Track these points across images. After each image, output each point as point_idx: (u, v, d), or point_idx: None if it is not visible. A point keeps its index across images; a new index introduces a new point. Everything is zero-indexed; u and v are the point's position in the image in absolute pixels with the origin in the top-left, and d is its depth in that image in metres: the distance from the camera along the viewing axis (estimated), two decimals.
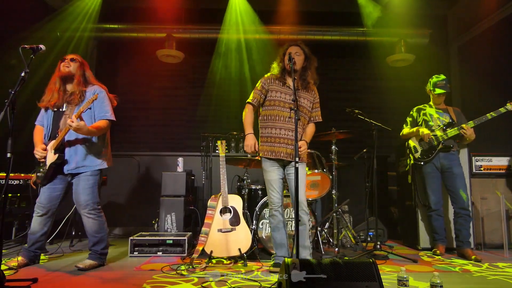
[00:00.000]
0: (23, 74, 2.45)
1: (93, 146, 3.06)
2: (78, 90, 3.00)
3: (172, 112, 5.88)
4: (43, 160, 2.99)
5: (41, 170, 3.00)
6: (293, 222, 3.52)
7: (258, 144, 3.05)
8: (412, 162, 3.96)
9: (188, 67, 5.95)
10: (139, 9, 5.68)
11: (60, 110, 3.05)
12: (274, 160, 3.00)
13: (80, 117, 2.82)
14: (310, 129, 3.13)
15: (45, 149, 2.99)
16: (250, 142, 3.00)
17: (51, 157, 2.95)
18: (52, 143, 2.96)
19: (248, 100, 3.11)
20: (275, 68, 3.09)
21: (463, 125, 3.62)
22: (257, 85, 3.12)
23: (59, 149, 2.96)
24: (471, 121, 3.62)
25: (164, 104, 5.88)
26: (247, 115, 3.09)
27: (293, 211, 2.64)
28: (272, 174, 3.01)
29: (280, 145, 2.96)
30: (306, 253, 2.91)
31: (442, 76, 3.82)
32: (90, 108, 2.99)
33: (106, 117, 3.05)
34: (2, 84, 3.10)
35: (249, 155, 3.83)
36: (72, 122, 2.72)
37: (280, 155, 2.96)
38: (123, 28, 5.55)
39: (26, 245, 3.08)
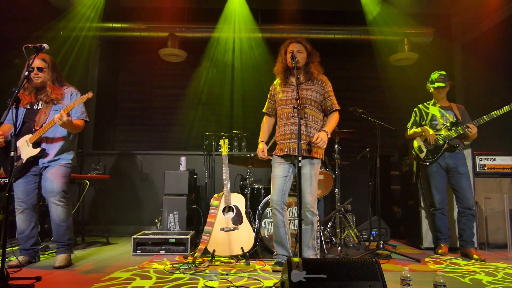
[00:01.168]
0: (26, 73, 2.46)
1: (67, 143, 3.15)
2: (54, 95, 3.07)
3: (175, 111, 5.89)
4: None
5: (15, 164, 2.96)
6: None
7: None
8: (416, 161, 3.94)
9: (191, 66, 5.95)
10: (142, 9, 5.69)
11: (35, 107, 3.08)
12: (282, 157, 2.99)
13: (68, 114, 2.89)
14: (332, 118, 2.98)
15: (4, 136, 2.97)
16: (258, 148, 3.14)
17: (28, 151, 2.98)
18: (30, 137, 2.98)
19: (263, 110, 3.27)
20: (277, 67, 3.09)
21: (469, 124, 3.60)
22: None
23: (36, 143, 3.00)
24: (485, 116, 3.58)
25: (167, 103, 5.89)
26: (262, 124, 3.27)
27: (300, 211, 2.60)
28: (276, 170, 3.01)
29: (284, 141, 2.97)
30: (309, 253, 2.89)
31: (441, 72, 3.79)
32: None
33: (82, 117, 3.17)
34: (5, 83, 3.10)
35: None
36: (62, 116, 2.81)
37: (285, 151, 2.94)
38: (126, 27, 5.57)
39: (21, 246, 3.10)
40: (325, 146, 2.83)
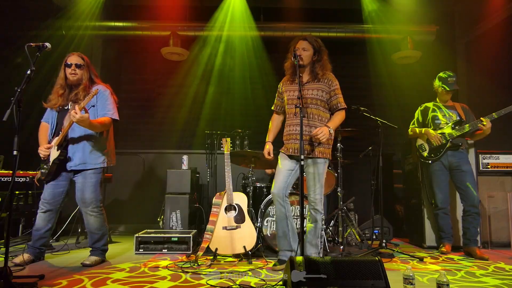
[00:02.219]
0: (28, 72, 2.46)
1: (96, 144, 3.08)
2: (85, 91, 3.04)
3: (177, 110, 5.88)
4: (46, 157, 3.01)
5: (44, 167, 3.02)
6: (306, 218, 3.51)
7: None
8: (419, 160, 3.93)
9: (193, 65, 5.94)
10: (143, 7, 5.68)
11: (65, 108, 3.07)
12: (288, 156, 2.98)
13: (85, 110, 2.81)
14: (336, 115, 2.94)
15: (49, 147, 3.00)
16: (265, 149, 3.13)
17: (54, 154, 2.97)
18: (56, 140, 2.99)
19: (272, 108, 3.25)
20: (287, 64, 3.07)
21: (483, 118, 3.57)
22: None
23: (62, 146, 2.98)
24: (494, 113, 3.56)
25: (169, 101, 5.88)
26: (271, 122, 3.25)
27: (302, 209, 2.59)
28: (282, 163, 2.99)
29: (289, 142, 2.96)
30: (312, 251, 2.89)
31: (451, 73, 3.77)
32: (94, 106, 3.06)
33: (108, 115, 3.08)
34: (8, 82, 3.11)
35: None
36: (76, 113, 2.71)
37: (289, 151, 2.94)
38: (128, 26, 5.57)
39: (30, 242, 3.10)
40: (325, 140, 2.76)
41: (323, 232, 2.94)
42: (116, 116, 3.15)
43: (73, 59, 3.04)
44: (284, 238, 2.96)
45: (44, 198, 3.03)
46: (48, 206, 3.03)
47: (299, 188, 2.80)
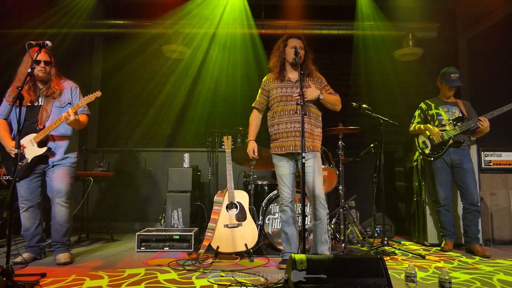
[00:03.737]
0: (29, 70, 2.46)
1: (73, 141, 3.16)
2: (56, 88, 3.07)
3: (178, 108, 5.87)
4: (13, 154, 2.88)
5: (19, 163, 2.92)
6: (309, 216, 3.52)
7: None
8: (421, 157, 3.92)
9: (193, 63, 5.93)
10: (144, 5, 5.67)
11: (35, 104, 3.05)
12: (284, 155, 2.97)
13: (75, 112, 2.91)
14: (333, 96, 3.01)
15: (20, 145, 2.91)
16: (249, 147, 3.11)
17: (35, 150, 2.97)
18: (34, 136, 2.97)
19: (253, 104, 3.18)
20: (273, 61, 3.06)
21: (480, 117, 3.57)
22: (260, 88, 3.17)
23: (42, 142, 2.98)
24: (488, 113, 3.57)
25: (170, 99, 5.87)
26: (252, 119, 3.19)
27: (304, 207, 2.58)
28: (283, 168, 2.98)
29: (289, 139, 2.93)
30: (324, 248, 2.86)
31: (454, 69, 3.75)
32: (70, 103, 3.11)
33: (85, 111, 3.15)
34: (8, 80, 3.10)
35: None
36: (69, 115, 2.84)
37: (289, 149, 2.92)
38: (129, 24, 5.55)
39: (26, 243, 3.11)
40: (312, 95, 2.85)
41: (328, 226, 2.94)
42: (89, 112, 3.23)
43: (42, 55, 3.00)
44: (293, 241, 2.97)
45: (21, 196, 3.01)
46: (28, 203, 3.02)
47: (310, 184, 2.84)
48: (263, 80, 3.15)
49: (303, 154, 2.52)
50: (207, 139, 5.07)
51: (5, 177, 3.48)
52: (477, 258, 3.34)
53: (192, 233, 3.63)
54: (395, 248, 3.58)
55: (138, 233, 3.64)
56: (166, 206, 4.24)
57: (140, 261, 3.15)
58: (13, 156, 2.93)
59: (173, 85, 5.87)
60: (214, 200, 3.44)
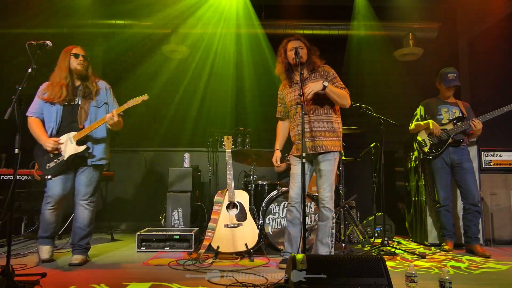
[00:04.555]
0: (29, 70, 2.46)
1: (107, 143, 3.16)
2: (94, 87, 3.05)
3: (178, 108, 5.87)
4: (55, 152, 2.90)
5: (55, 161, 2.91)
6: (309, 216, 3.52)
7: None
8: (421, 156, 3.92)
9: (194, 62, 5.93)
10: (145, 5, 5.67)
11: (72, 103, 3.00)
12: (299, 156, 2.93)
13: (118, 114, 2.96)
14: (339, 89, 2.87)
15: (57, 141, 2.90)
16: (273, 156, 3.16)
17: (72, 149, 2.92)
18: (75, 135, 2.93)
19: (276, 115, 3.25)
20: (278, 68, 3.05)
21: (474, 119, 3.58)
22: None
23: (81, 141, 2.96)
24: (480, 116, 3.58)
25: (170, 99, 5.87)
26: (276, 129, 3.25)
27: (304, 207, 2.58)
28: (295, 168, 2.98)
29: (299, 142, 2.90)
30: (323, 251, 2.84)
31: (452, 69, 3.76)
32: (106, 103, 3.12)
33: (120, 114, 3.15)
34: (9, 80, 3.10)
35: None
36: (114, 116, 2.90)
37: (301, 151, 2.89)
38: (129, 24, 5.55)
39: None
40: (312, 90, 2.73)
41: (333, 230, 2.91)
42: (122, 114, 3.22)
43: (80, 50, 3.03)
44: (295, 243, 2.93)
45: (53, 193, 2.91)
46: (58, 201, 2.93)
47: (318, 187, 2.83)
48: (279, 88, 3.20)
49: (304, 155, 2.52)
50: (207, 139, 5.07)
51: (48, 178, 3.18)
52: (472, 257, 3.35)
53: (192, 233, 3.63)
54: (395, 248, 3.58)
55: (139, 233, 3.64)
56: (166, 206, 4.24)
57: (140, 261, 3.15)
58: (49, 150, 2.88)
59: (173, 85, 5.87)
60: (215, 200, 3.44)
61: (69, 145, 2.94)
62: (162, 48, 5.55)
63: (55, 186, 2.93)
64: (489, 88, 5.18)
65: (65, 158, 2.91)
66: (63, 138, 2.94)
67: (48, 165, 2.93)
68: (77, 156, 2.95)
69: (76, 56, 2.99)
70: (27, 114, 2.99)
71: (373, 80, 5.95)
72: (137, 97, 2.99)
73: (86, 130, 2.94)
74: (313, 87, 2.75)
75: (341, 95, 2.86)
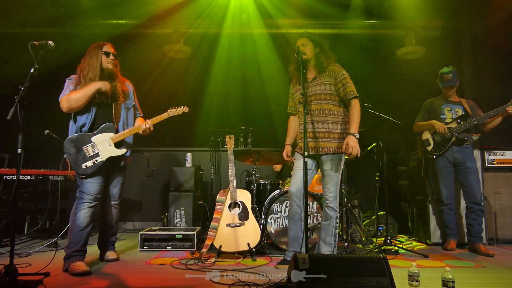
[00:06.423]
0: (32, 70, 2.47)
1: (131, 145, 3.20)
2: (121, 88, 3.07)
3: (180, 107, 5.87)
4: (91, 153, 2.84)
5: (95, 161, 2.84)
6: (311, 215, 3.51)
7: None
8: (424, 155, 3.91)
9: (196, 62, 5.93)
10: (146, 5, 5.67)
11: (106, 102, 2.96)
12: (301, 154, 2.96)
13: (127, 108, 3.10)
14: (353, 113, 2.82)
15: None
16: (284, 151, 3.17)
17: (110, 150, 2.90)
18: (113, 136, 2.92)
19: (287, 110, 3.25)
20: (290, 68, 3.10)
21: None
22: None
23: (118, 144, 2.97)
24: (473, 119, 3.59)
25: (172, 99, 5.87)
26: (288, 124, 3.25)
27: (306, 206, 2.57)
28: (298, 162, 2.99)
29: (301, 140, 2.96)
30: (325, 250, 2.83)
31: (449, 68, 3.74)
32: (134, 105, 3.22)
33: (140, 115, 3.31)
34: (11, 80, 3.10)
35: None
36: (151, 128, 3.05)
37: (308, 150, 2.88)
38: (130, 24, 5.56)
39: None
40: (357, 152, 2.70)
41: (337, 230, 2.90)
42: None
43: (110, 48, 3.00)
44: (296, 240, 2.91)
45: (90, 193, 2.84)
46: (97, 201, 2.91)
47: (323, 186, 2.82)
48: (291, 83, 3.22)
49: (306, 154, 2.52)
50: (210, 138, 5.07)
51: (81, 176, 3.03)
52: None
53: (194, 233, 3.63)
54: (398, 247, 3.57)
55: (141, 232, 3.65)
56: (168, 206, 4.25)
57: (143, 260, 3.16)
58: (103, 90, 2.86)
59: (175, 84, 5.87)
60: (217, 199, 3.44)
61: (106, 146, 2.89)
62: (164, 48, 5.55)
63: (93, 185, 2.86)
64: (492, 86, 5.15)
65: (104, 159, 2.87)
66: (100, 138, 2.89)
67: (84, 164, 2.82)
68: (114, 158, 2.96)
69: (107, 54, 2.96)
70: (61, 96, 2.84)
71: (376, 78, 5.92)
72: (178, 108, 3.09)
73: (126, 133, 2.98)
74: (353, 147, 2.69)
75: (358, 117, 2.82)
